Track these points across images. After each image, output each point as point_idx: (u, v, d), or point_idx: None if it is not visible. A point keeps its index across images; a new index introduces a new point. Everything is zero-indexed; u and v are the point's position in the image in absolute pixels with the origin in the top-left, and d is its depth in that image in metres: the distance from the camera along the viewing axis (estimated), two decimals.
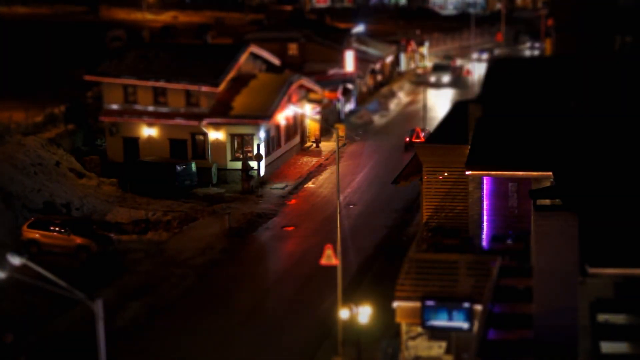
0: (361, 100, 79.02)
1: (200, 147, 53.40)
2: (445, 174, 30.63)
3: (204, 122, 52.67)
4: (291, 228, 45.06)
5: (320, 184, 53.57)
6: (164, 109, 53.85)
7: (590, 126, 28.70)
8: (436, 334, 26.42)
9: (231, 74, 55.07)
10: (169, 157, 52.78)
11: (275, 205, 48.76)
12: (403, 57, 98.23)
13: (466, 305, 24.93)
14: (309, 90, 62.26)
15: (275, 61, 63.55)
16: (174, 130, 53.47)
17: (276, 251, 42.33)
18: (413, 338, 26.73)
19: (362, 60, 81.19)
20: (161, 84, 53.62)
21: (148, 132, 53.84)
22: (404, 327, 26.69)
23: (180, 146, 53.49)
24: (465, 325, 25.04)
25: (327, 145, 62.17)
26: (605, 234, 22.08)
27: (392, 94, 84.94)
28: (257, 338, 32.40)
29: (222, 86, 53.93)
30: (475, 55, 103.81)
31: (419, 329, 26.32)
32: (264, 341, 32.18)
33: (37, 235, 40.75)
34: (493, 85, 32.90)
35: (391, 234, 44.08)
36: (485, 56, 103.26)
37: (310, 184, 53.69)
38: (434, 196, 30.89)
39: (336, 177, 32.34)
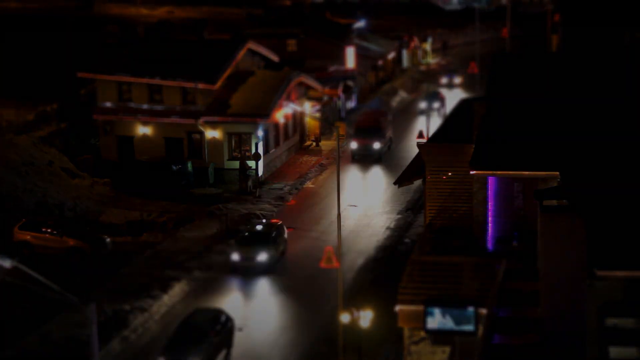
0: (362, 97, 78.48)
1: (196, 146, 53.03)
2: (449, 173, 30.53)
3: (201, 120, 52.22)
4: (290, 229, 44.60)
5: (320, 184, 53.31)
6: (159, 107, 53.41)
7: (599, 125, 28.49)
8: (439, 338, 26.17)
9: (228, 71, 54.71)
10: (165, 157, 52.31)
11: (273, 206, 48.26)
12: (405, 54, 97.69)
13: (470, 308, 24.58)
14: (308, 87, 61.90)
15: (274, 58, 63.03)
16: (169, 129, 53.05)
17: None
18: (416, 343, 26.77)
19: (364, 56, 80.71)
20: (156, 81, 53.25)
21: (143, 130, 53.40)
22: (406, 332, 26.81)
23: (176, 145, 53.07)
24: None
25: (327, 144, 61.74)
26: (613, 236, 22.50)
27: (394, 92, 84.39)
28: (255, 342, 31.99)
29: (219, 83, 53.57)
30: (444, 80, 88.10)
31: (422, 333, 26.16)
32: (262, 346, 31.78)
33: (28, 237, 40.34)
34: (498, 82, 32.53)
35: (393, 236, 43.67)
36: (457, 80, 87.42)
37: (309, 184, 53.37)
38: (438, 197, 31.11)
39: (336, 177, 31.87)
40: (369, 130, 57.97)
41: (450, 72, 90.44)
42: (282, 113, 56.05)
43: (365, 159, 56.89)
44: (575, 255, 23.44)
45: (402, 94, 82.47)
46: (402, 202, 48.71)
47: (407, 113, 74.26)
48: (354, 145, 57.15)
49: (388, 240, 42.96)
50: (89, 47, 67.90)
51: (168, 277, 37.59)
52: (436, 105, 72.27)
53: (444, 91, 79.48)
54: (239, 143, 52.76)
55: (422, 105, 72.12)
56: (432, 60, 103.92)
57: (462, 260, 26.31)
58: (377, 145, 57.18)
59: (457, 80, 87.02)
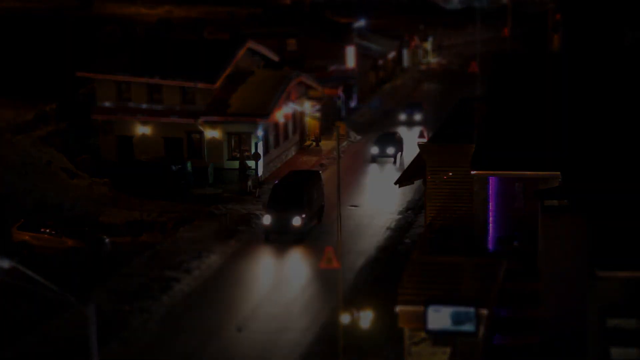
0: (363, 97, 78.28)
1: (196, 146, 52.94)
2: (450, 173, 30.36)
3: (200, 120, 52.07)
4: None
5: None
6: (158, 107, 53.29)
7: (599, 124, 28.39)
8: (440, 339, 26.06)
9: (228, 71, 54.53)
10: (164, 156, 52.12)
11: None
12: (406, 53, 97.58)
13: (471, 309, 24.45)
14: (308, 87, 61.76)
15: (274, 57, 62.86)
16: (169, 129, 52.91)
17: (275, 253, 41.61)
18: (416, 343, 26.51)
19: (364, 56, 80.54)
20: (156, 80, 53.17)
21: (142, 130, 53.29)
22: (406, 332, 26.52)
23: (175, 145, 52.97)
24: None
25: (327, 144, 61.52)
26: (615, 236, 22.13)
27: (395, 91, 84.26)
28: (255, 343, 31.87)
29: (219, 83, 53.35)
30: (403, 116, 70.54)
31: (423, 334, 25.99)
32: (262, 347, 31.65)
33: (27, 237, 40.24)
34: (498, 82, 32.41)
35: (394, 236, 43.53)
36: (418, 117, 69.78)
37: None
38: (438, 197, 30.79)
39: (337, 177, 31.68)
40: (288, 199, 42.50)
41: (411, 105, 72.88)
42: (282, 113, 55.91)
43: (281, 239, 42.37)
44: (576, 255, 23.34)
45: (352, 135, 65.11)
46: (403, 202, 48.56)
47: (355, 161, 59.20)
48: (267, 219, 42.61)
49: (388, 240, 42.83)
50: (88, 47, 67.77)
51: (167, 277, 37.50)
52: (391, 150, 57.83)
53: (402, 131, 64.62)
54: (239, 143, 52.62)
55: (374, 150, 58.08)
56: (432, 59, 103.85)
57: (463, 261, 26.15)
58: (297, 221, 41.70)
59: (418, 116, 70.09)
